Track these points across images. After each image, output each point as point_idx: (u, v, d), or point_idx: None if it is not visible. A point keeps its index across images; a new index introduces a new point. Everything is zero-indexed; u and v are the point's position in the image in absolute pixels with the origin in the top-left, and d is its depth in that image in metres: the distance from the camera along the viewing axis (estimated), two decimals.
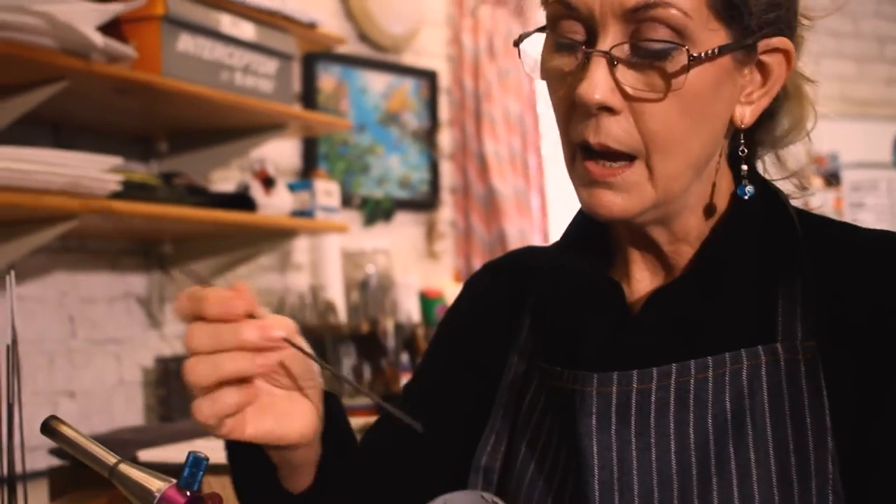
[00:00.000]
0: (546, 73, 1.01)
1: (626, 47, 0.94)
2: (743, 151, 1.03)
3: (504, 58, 4.29)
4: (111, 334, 2.96)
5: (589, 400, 1.00)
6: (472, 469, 1.13)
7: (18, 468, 1.43)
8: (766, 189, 1.06)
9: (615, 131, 0.95)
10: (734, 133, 1.04)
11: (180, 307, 0.91)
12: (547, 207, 4.48)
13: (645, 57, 0.94)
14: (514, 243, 4.06)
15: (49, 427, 1.02)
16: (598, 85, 0.93)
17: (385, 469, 1.15)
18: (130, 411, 2.98)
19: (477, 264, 4.11)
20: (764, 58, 0.99)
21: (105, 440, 1.97)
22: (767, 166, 1.10)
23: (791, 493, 0.95)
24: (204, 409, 0.91)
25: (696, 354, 0.98)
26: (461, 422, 1.16)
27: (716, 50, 0.94)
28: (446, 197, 4.29)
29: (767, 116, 1.05)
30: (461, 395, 1.17)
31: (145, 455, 1.86)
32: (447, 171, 4.30)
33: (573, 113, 0.98)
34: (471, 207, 4.27)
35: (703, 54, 0.93)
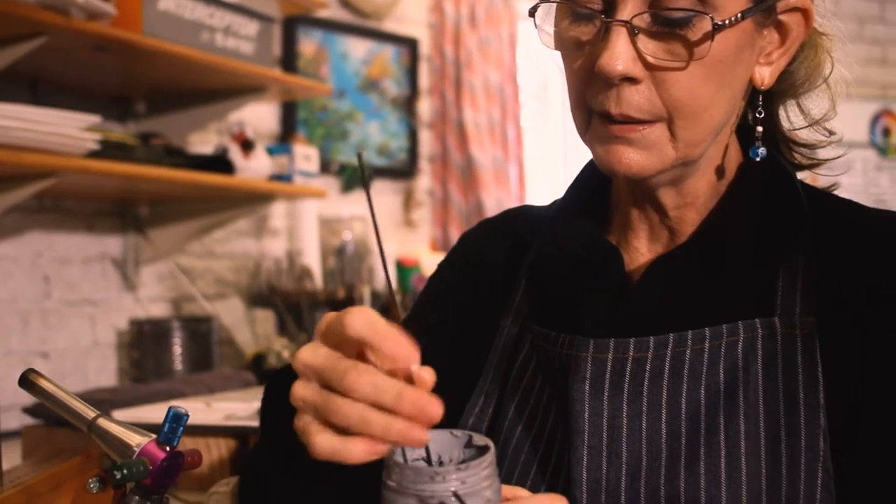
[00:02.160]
0: (562, 44, 0.99)
1: (647, 16, 0.93)
2: (760, 113, 1.03)
3: (485, 27, 4.27)
4: (86, 295, 2.94)
5: (583, 365, 1.00)
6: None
7: None
8: (775, 162, 1.05)
9: (637, 100, 0.94)
10: (752, 94, 1.03)
11: (352, 324, 0.78)
12: (524, 178, 4.47)
13: (666, 25, 0.92)
14: (492, 213, 4.04)
15: (27, 380, 1.01)
16: (619, 55, 0.92)
17: None
18: (104, 373, 2.97)
19: (454, 233, 4.10)
20: (783, 17, 0.99)
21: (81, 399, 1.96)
22: (791, 116, 1.09)
23: (779, 467, 0.94)
24: (325, 442, 0.79)
25: (694, 325, 0.98)
26: (447, 376, 1.15)
27: (739, 15, 0.92)
28: (424, 165, 4.28)
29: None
30: (449, 351, 1.16)
31: (120, 415, 1.84)
32: (426, 140, 4.28)
33: (592, 82, 0.96)
34: (449, 176, 4.26)
35: (726, 21, 0.92)
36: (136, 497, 0.93)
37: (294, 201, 3.51)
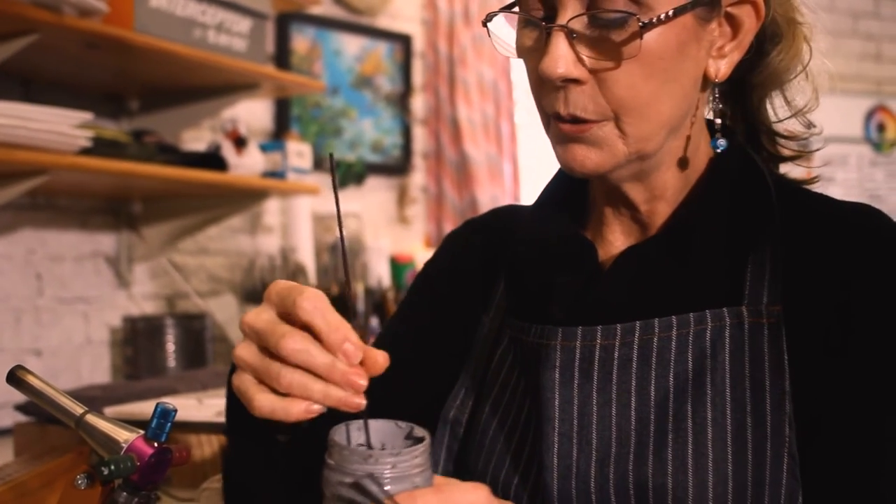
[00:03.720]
0: (518, 50, 1.02)
1: (585, 18, 0.95)
2: (717, 104, 1.04)
3: (479, 23, 4.26)
4: (79, 293, 2.94)
5: (553, 354, 1.02)
6: (441, 420, 1.16)
7: None
8: (745, 154, 1.06)
9: (583, 101, 0.97)
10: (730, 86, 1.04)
11: (303, 306, 0.84)
12: (519, 175, 4.47)
13: (601, 27, 0.95)
14: (486, 209, 4.05)
15: (15, 377, 1.01)
16: (558, 59, 0.95)
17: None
18: (97, 370, 2.97)
19: (448, 230, 4.09)
20: (731, 10, 1.00)
21: (72, 396, 1.96)
22: (776, 108, 1.11)
23: (745, 454, 0.96)
24: (265, 401, 0.85)
25: (662, 313, 1.00)
26: (430, 372, 1.18)
27: (670, 13, 0.94)
28: (418, 162, 4.27)
29: (758, 57, 1.05)
30: (432, 346, 1.19)
31: (112, 411, 1.84)
32: (420, 136, 4.28)
33: (543, 85, 0.99)
34: (443, 173, 4.26)
35: (652, 20, 0.93)
36: (124, 493, 0.93)
37: (287, 198, 3.51)
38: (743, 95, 1.10)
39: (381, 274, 3.72)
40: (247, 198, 3.07)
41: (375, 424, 0.90)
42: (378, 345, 1.21)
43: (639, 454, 0.98)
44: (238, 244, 3.48)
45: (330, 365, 0.83)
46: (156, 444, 0.94)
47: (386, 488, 0.83)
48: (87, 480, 0.94)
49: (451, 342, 1.18)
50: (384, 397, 1.16)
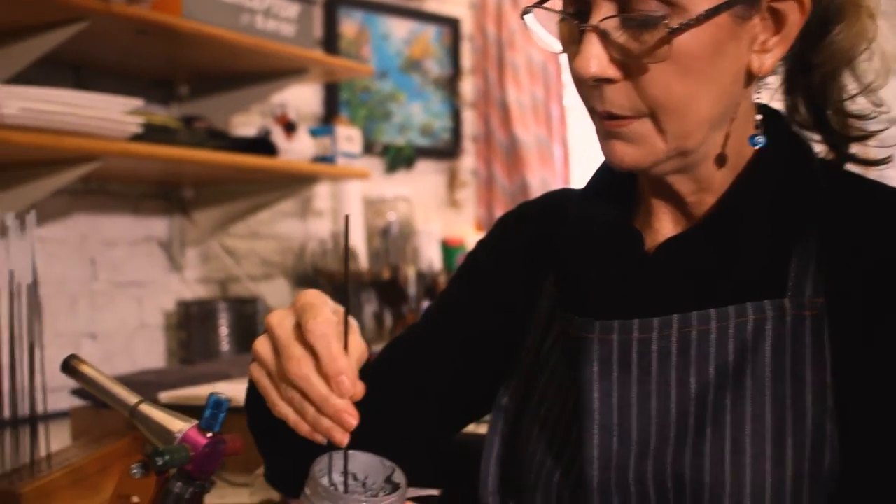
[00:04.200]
0: (561, 44, 1.02)
1: (617, 20, 0.94)
2: (759, 99, 1.03)
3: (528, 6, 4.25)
4: (132, 277, 2.96)
5: (592, 347, 1.01)
6: (494, 406, 1.17)
7: (40, 408, 1.43)
8: (795, 143, 1.04)
9: (618, 99, 0.96)
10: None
11: (312, 331, 0.88)
12: (569, 157, 4.45)
13: (633, 28, 0.93)
14: (536, 193, 4.03)
15: (70, 366, 1.01)
16: (591, 59, 0.94)
17: (388, 400, 1.17)
18: (151, 354, 2.99)
19: (498, 213, 4.09)
20: (775, 5, 0.97)
21: (126, 382, 1.97)
22: (843, 88, 1.07)
23: (783, 448, 0.94)
24: (283, 408, 0.92)
25: (703, 305, 0.98)
26: (474, 354, 1.19)
27: (702, 14, 0.92)
28: (468, 145, 4.26)
29: (820, 37, 1.03)
30: (469, 324, 1.19)
31: (166, 396, 1.86)
32: (469, 120, 4.27)
33: (580, 82, 0.99)
34: (493, 156, 4.24)
35: (684, 22, 0.92)
36: (179, 483, 0.94)
37: (338, 182, 3.51)
38: (804, 76, 1.07)
39: (431, 258, 3.72)
40: (297, 182, 3.07)
41: (361, 457, 0.95)
42: (425, 321, 1.23)
43: (677, 447, 0.97)
44: (289, 228, 3.50)
45: (324, 398, 0.88)
46: (209, 435, 0.94)
47: None
48: (143, 470, 0.94)
49: (488, 321, 1.18)
50: (417, 370, 1.18)
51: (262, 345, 0.93)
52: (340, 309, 0.95)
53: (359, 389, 0.88)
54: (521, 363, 1.16)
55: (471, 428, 2.05)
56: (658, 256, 1.02)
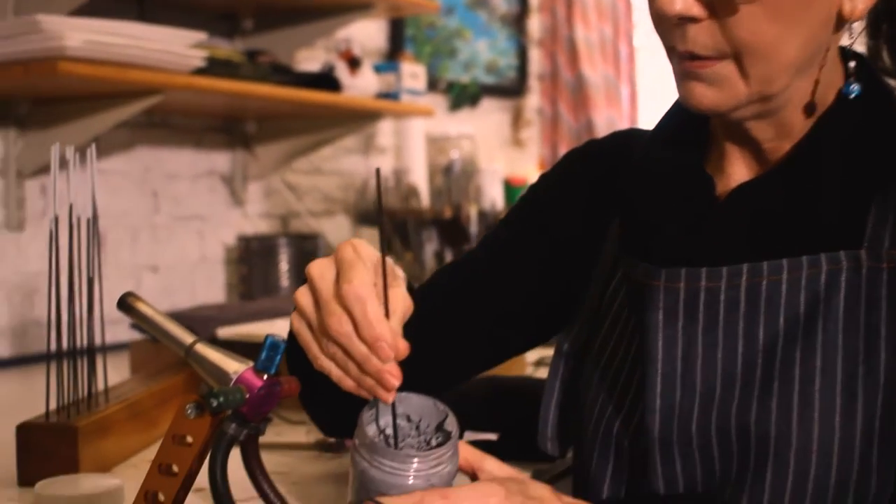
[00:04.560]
0: None
1: None
2: (852, 45, 0.98)
3: None
4: (194, 211, 2.96)
5: (657, 294, 0.98)
6: (556, 352, 1.15)
7: (98, 341, 1.43)
8: (878, 87, 0.99)
9: (701, 39, 0.92)
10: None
11: (347, 295, 0.87)
12: (637, 98, 4.37)
13: None
14: (602, 133, 3.97)
15: (126, 303, 1.00)
16: None
17: (438, 328, 1.16)
18: (212, 288, 3.00)
19: (563, 153, 4.04)
20: None
21: (186, 317, 1.98)
22: None
23: (854, 404, 0.91)
24: (325, 363, 0.92)
25: (774, 254, 0.94)
26: (531, 281, 1.17)
27: None
28: (534, 84, 4.21)
29: None
30: (537, 257, 1.17)
31: (225, 332, 1.85)
32: (536, 58, 4.20)
33: (661, 20, 0.94)
34: (559, 95, 4.18)
35: None
36: (233, 424, 0.92)
37: (401, 119, 3.48)
38: (891, 21, 1.02)
39: (494, 197, 3.69)
40: (360, 119, 3.05)
41: (414, 399, 0.95)
42: (482, 247, 1.21)
43: (743, 399, 0.94)
44: (351, 165, 3.48)
45: (366, 357, 0.87)
46: (265, 377, 0.92)
47: (409, 482, 0.88)
48: (197, 410, 0.93)
49: (549, 253, 1.16)
50: (471, 299, 1.16)
51: (303, 296, 0.92)
52: (386, 261, 0.93)
53: (401, 349, 0.87)
54: (583, 308, 1.13)
55: (530, 372, 2.04)
56: (730, 202, 0.99)
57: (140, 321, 1.01)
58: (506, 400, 1.39)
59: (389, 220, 3.29)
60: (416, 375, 0.98)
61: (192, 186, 2.95)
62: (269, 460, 1.39)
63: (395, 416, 0.94)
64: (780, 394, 0.93)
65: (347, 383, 0.90)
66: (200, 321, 1.90)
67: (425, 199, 3.45)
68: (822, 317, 0.93)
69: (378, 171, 0.92)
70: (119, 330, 1.99)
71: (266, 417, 0.95)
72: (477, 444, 1.32)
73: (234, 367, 0.94)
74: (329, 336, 0.88)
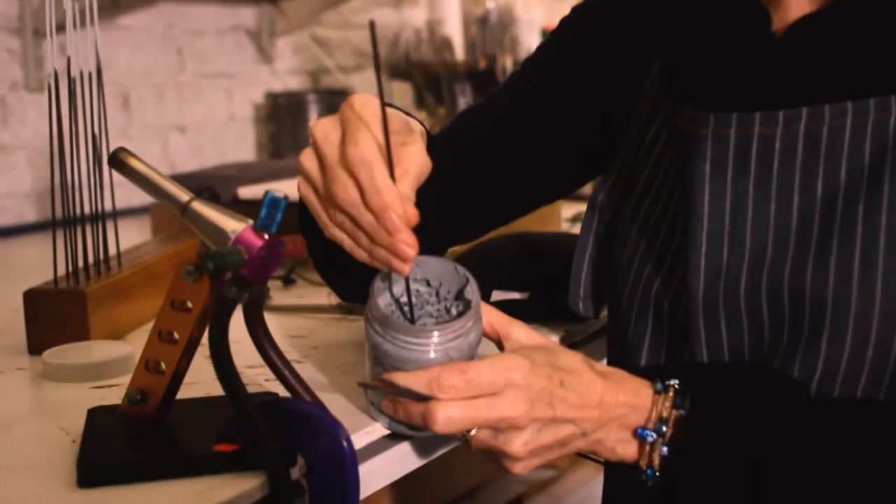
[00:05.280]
0: None
1: None
2: None
3: None
4: (221, 68, 2.87)
5: (704, 143, 0.89)
6: (589, 204, 1.07)
7: (109, 206, 1.36)
8: None
9: None
10: None
11: (353, 159, 0.80)
12: None
13: None
14: None
15: (118, 160, 0.92)
16: None
17: (461, 174, 1.08)
18: (241, 147, 2.93)
19: None
20: None
21: (207, 176, 1.91)
22: None
23: None
24: (336, 233, 0.86)
25: (836, 98, 0.84)
26: (564, 121, 1.09)
27: None
28: None
29: None
30: (570, 92, 1.08)
31: (246, 192, 1.78)
32: None
33: None
34: None
35: None
36: (234, 288, 0.85)
37: None
38: None
39: (530, 47, 3.56)
40: None
41: (433, 263, 0.89)
42: (503, 89, 1.13)
43: (798, 260, 0.85)
44: (382, 17, 3.36)
45: (375, 228, 0.80)
46: (266, 236, 0.85)
47: (426, 357, 0.82)
48: (196, 273, 0.86)
49: (583, 89, 1.07)
50: (497, 141, 1.07)
51: (308, 159, 0.85)
52: (397, 116, 0.84)
53: (411, 217, 0.80)
54: (620, 155, 1.04)
55: (566, 228, 1.95)
56: (787, 38, 0.88)
57: (133, 179, 0.93)
58: (538, 257, 1.31)
59: (422, 73, 3.18)
60: (436, 226, 0.91)
61: (218, 43, 2.85)
62: (289, 324, 1.34)
63: (409, 288, 0.87)
64: (839, 253, 0.83)
65: (360, 254, 0.84)
66: (221, 180, 1.83)
67: (459, 51, 3.33)
68: (890, 168, 0.83)
69: (372, 23, 0.85)
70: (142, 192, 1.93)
71: (268, 280, 0.88)
72: (505, 303, 1.25)
73: (233, 226, 0.86)
74: (335, 205, 0.82)
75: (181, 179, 1.84)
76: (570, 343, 1.23)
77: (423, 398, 0.80)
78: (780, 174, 0.86)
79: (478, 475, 2.77)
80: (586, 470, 2.92)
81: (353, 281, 0.99)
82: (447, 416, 0.79)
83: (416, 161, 0.83)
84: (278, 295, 1.52)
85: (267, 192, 0.85)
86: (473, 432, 0.81)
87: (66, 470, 0.85)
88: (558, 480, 3.01)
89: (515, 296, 1.26)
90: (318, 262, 1.06)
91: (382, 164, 0.79)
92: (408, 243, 0.80)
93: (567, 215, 2.02)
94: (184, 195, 0.90)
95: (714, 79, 0.90)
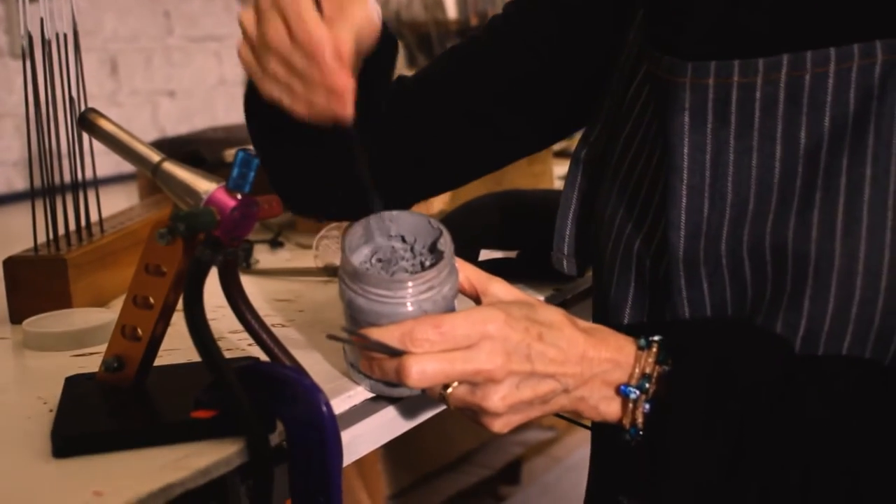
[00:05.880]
0: None
1: None
2: None
3: None
4: (210, 31, 2.84)
5: (682, 93, 0.85)
6: (572, 159, 1.03)
7: (90, 173, 1.33)
8: None
9: None
10: None
11: None
12: None
13: None
14: None
15: (86, 121, 0.90)
16: None
17: (435, 120, 1.07)
18: (232, 111, 2.90)
19: None
20: None
21: (193, 139, 1.88)
22: None
23: None
24: (275, 91, 0.86)
25: (818, 44, 0.81)
26: (543, 65, 1.06)
27: None
28: None
29: None
30: (549, 33, 1.06)
31: (231, 154, 1.75)
32: None
33: None
34: None
35: None
36: (207, 251, 0.82)
37: None
38: None
39: None
40: None
41: (405, 217, 0.88)
42: (483, 31, 1.10)
43: (780, 214, 0.82)
44: None
45: (308, 67, 0.81)
46: (239, 196, 0.82)
47: (400, 310, 0.81)
48: (169, 236, 0.84)
49: (563, 32, 1.05)
50: (473, 85, 1.05)
51: (245, 15, 0.87)
52: None
53: (344, 53, 0.81)
54: (604, 108, 1.01)
55: (558, 185, 1.93)
56: None
57: (103, 140, 0.91)
58: (525, 215, 1.29)
59: (413, 32, 3.15)
60: (412, 171, 0.88)
61: (206, 5, 2.82)
62: (275, 287, 1.32)
63: (372, 228, 0.87)
64: (822, 206, 0.81)
65: (299, 108, 0.84)
66: (208, 143, 1.80)
67: (451, 9, 3.30)
68: (875, 117, 0.80)
69: None
70: None
71: (243, 241, 0.86)
72: (493, 263, 1.22)
73: (205, 186, 0.84)
74: (267, 49, 0.83)
75: (167, 143, 1.82)
76: (559, 302, 1.21)
77: (396, 353, 0.78)
78: (761, 125, 0.83)
79: (475, 438, 2.76)
80: (584, 431, 2.91)
81: (300, 184, 1.01)
82: (421, 369, 0.77)
83: (358, 11, 0.84)
84: (265, 258, 1.50)
85: (238, 151, 0.83)
86: (451, 389, 0.79)
87: (43, 440, 0.83)
88: (556, 442, 3.00)
89: (503, 255, 1.24)
90: (268, 160, 1.06)
91: (311, 3, 0.81)
92: (342, 76, 0.80)
93: (560, 173, 1.99)
94: (155, 156, 0.87)
95: (692, 24, 0.87)
